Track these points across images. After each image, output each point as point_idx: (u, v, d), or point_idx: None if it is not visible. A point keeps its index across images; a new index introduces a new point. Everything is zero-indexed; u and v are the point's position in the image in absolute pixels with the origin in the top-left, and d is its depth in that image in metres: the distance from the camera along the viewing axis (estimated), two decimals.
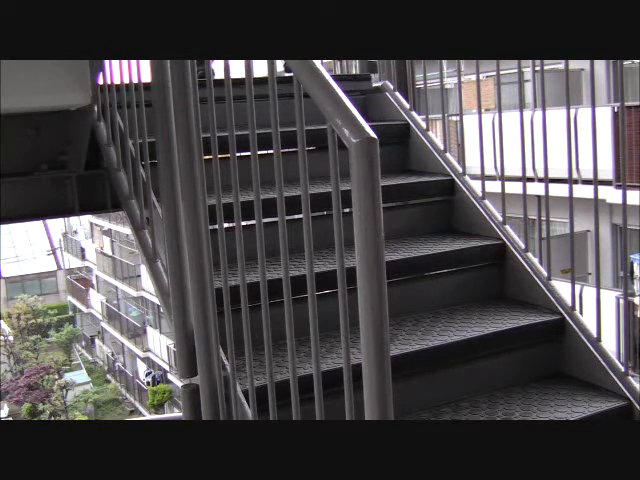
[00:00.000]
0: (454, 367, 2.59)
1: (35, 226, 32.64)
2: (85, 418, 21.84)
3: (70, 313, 31.95)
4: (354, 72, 4.06)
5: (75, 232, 31.54)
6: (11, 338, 26.99)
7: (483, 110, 3.31)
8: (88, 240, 30.14)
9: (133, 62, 2.61)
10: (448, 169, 3.21)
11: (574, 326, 2.66)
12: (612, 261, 10.14)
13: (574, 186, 2.66)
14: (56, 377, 23.69)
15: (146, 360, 24.39)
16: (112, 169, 2.91)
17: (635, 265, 8.81)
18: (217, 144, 1.92)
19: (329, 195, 1.52)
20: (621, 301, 7.84)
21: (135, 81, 2.61)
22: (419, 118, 3.45)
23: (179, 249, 2.13)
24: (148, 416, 20.16)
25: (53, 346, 27.84)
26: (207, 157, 1.99)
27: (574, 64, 9.55)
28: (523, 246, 2.90)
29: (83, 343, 31.01)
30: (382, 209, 1.38)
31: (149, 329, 24.18)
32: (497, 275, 2.96)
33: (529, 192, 2.84)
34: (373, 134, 1.37)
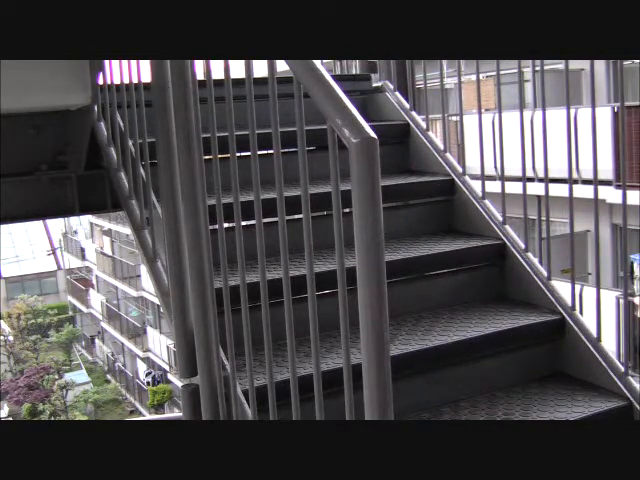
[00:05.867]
0: (454, 367, 2.59)
1: (35, 226, 32.63)
2: (85, 418, 21.83)
3: (70, 313, 31.94)
4: (354, 72, 4.06)
5: (75, 232, 31.53)
6: (11, 338, 26.98)
7: (483, 110, 3.31)
8: (88, 240, 30.13)
9: (133, 62, 2.61)
10: (448, 169, 3.21)
11: (574, 326, 2.66)
12: (612, 261, 10.13)
13: (574, 186, 2.66)
14: (56, 377, 23.69)
15: (146, 360, 24.39)
16: (112, 169, 2.91)
17: (635, 265, 8.81)
18: (217, 144, 1.92)
19: (329, 195, 1.52)
20: (621, 301, 7.84)
21: (135, 81, 2.61)
22: (419, 118, 3.45)
23: (179, 249, 2.13)
24: (148, 416, 20.16)
25: (53, 346, 27.83)
26: (207, 157, 1.99)
27: (574, 64, 9.55)
28: (523, 246, 2.90)
29: (83, 343, 31.00)
30: (382, 209, 1.38)
31: (149, 329, 24.17)
32: (497, 275, 2.96)
33: (529, 192, 2.84)
34: (373, 134, 1.37)
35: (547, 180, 2.68)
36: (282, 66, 1.70)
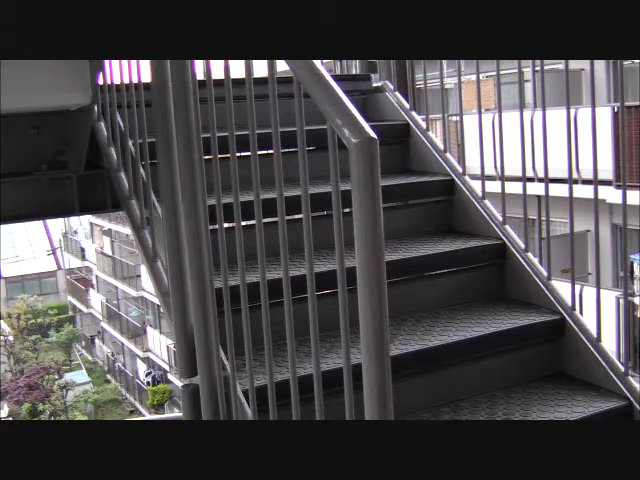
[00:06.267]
0: (454, 367, 2.59)
1: (35, 226, 32.63)
2: (85, 418, 21.83)
3: (70, 313, 31.94)
4: (354, 72, 4.06)
5: (75, 232, 31.53)
6: (11, 338, 26.97)
7: (483, 110, 3.31)
8: (88, 240, 30.13)
9: (133, 62, 2.61)
10: (448, 169, 3.21)
11: (574, 326, 2.66)
12: (612, 261, 10.14)
13: (574, 186, 2.66)
14: (56, 377, 23.69)
15: (146, 360, 24.39)
16: (112, 169, 2.91)
17: (635, 265, 8.81)
18: (217, 144, 1.93)
19: (329, 195, 1.52)
20: (621, 301, 7.84)
21: (135, 81, 2.61)
22: (419, 118, 3.45)
23: (179, 249, 2.13)
24: (148, 416, 20.16)
25: (53, 346, 27.83)
26: (207, 157, 1.99)
27: (574, 64, 9.55)
28: (523, 246, 2.90)
29: (83, 343, 31.00)
30: (382, 209, 1.38)
31: (149, 329, 24.17)
32: (497, 275, 2.96)
33: (529, 192, 2.84)
34: (373, 134, 1.37)
35: (547, 180, 2.68)
36: (282, 66, 1.70)
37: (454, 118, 8.51)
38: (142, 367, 24.78)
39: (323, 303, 1.82)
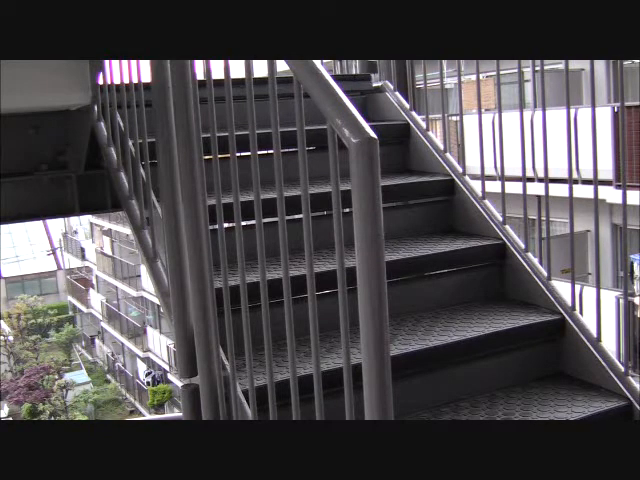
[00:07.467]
0: (454, 367, 2.59)
1: (35, 226, 32.64)
2: (85, 418, 21.83)
3: (70, 313, 31.94)
4: (354, 72, 4.06)
5: (75, 232, 31.53)
6: (11, 338, 26.97)
7: (483, 110, 3.31)
8: (88, 240, 30.13)
9: (133, 62, 2.62)
10: (448, 169, 3.21)
11: (574, 326, 2.66)
12: (612, 261, 10.14)
13: (574, 186, 2.66)
14: (56, 377, 23.68)
15: (146, 360, 24.39)
16: (112, 169, 2.91)
17: (635, 265, 8.81)
18: (217, 144, 1.93)
19: (329, 195, 1.52)
20: (621, 301, 7.84)
21: (135, 81, 2.61)
22: (419, 118, 3.45)
23: (179, 249, 2.13)
24: (148, 416, 20.16)
25: (53, 346, 27.84)
26: (207, 157, 2.00)
27: (574, 64, 9.55)
28: (523, 246, 2.90)
29: (83, 343, 31.00)
30: (382, 209, 1.38)
31: (149, 329, 24.17)
32: (497, 275, 2.96)
33: (529, 192, 2.84)
34: (373, 134, 1.37)
35: (547, 180, 2.68)
36: (282, 66, 1.70)
37: (454, 118, 8.51)
38: (142, 367, 24.78)
39: (323, 303, 1.82)
